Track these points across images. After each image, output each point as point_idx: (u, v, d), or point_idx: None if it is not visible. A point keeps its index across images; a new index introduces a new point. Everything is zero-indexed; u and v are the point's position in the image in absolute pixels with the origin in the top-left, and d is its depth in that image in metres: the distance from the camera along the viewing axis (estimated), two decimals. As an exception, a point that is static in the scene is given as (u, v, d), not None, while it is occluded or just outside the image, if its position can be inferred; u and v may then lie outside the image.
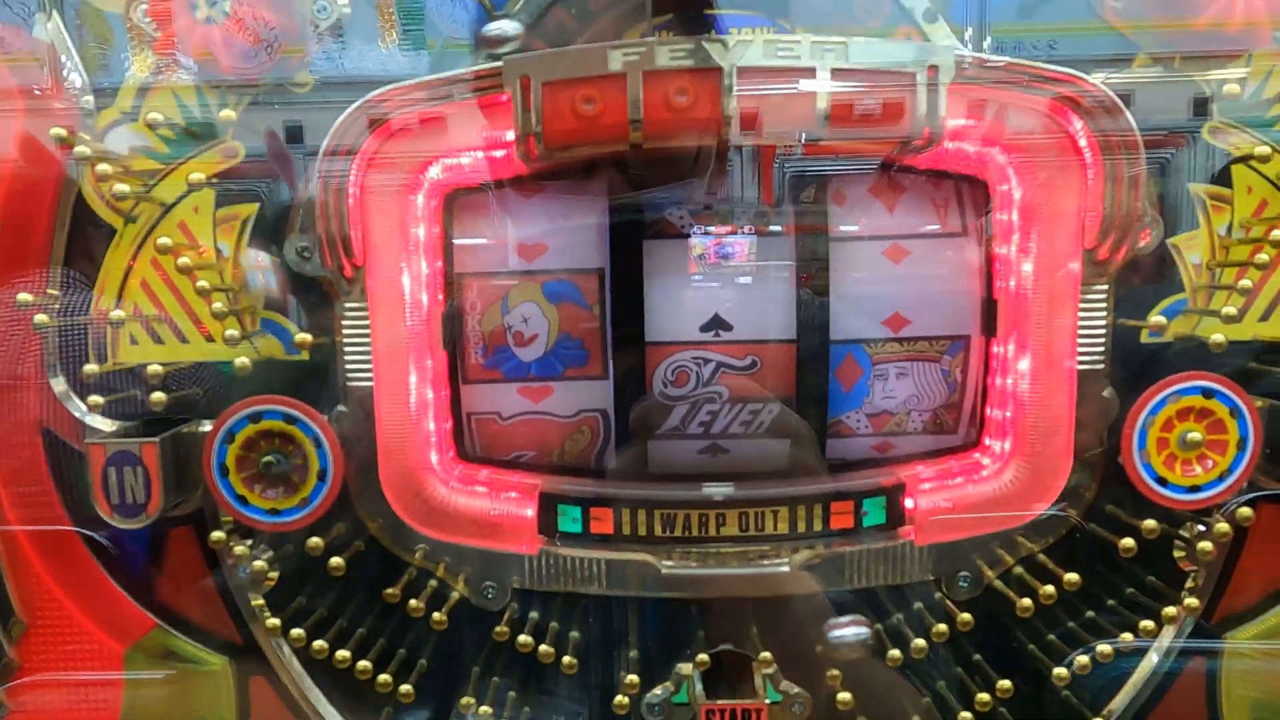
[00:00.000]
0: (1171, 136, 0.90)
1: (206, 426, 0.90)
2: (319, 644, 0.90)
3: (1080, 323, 0.91)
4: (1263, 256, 0.86)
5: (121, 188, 0.84)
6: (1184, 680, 0.95)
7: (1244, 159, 0.88)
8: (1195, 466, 0.88)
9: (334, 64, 0.87)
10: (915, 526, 0.95)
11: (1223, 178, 0.90)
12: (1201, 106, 0.89)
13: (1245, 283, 0.86)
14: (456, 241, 0.98)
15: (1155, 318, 0.88)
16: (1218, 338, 0.87)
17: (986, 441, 0.99)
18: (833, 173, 0.99)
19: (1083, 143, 0.86)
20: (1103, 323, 0.91)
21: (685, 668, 0.95)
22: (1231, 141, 0.89)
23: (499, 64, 0.82)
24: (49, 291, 0.89)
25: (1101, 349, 0.91)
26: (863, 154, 0.96)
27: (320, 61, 0.88)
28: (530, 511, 0.95)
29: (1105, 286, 0.90)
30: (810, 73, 0.81)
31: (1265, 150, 0.87)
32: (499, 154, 0.90)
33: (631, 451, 1.02)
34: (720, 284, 1.00)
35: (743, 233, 0.98)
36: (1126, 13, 0.88)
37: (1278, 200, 0.90)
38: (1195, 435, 0.87)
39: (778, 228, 0.99)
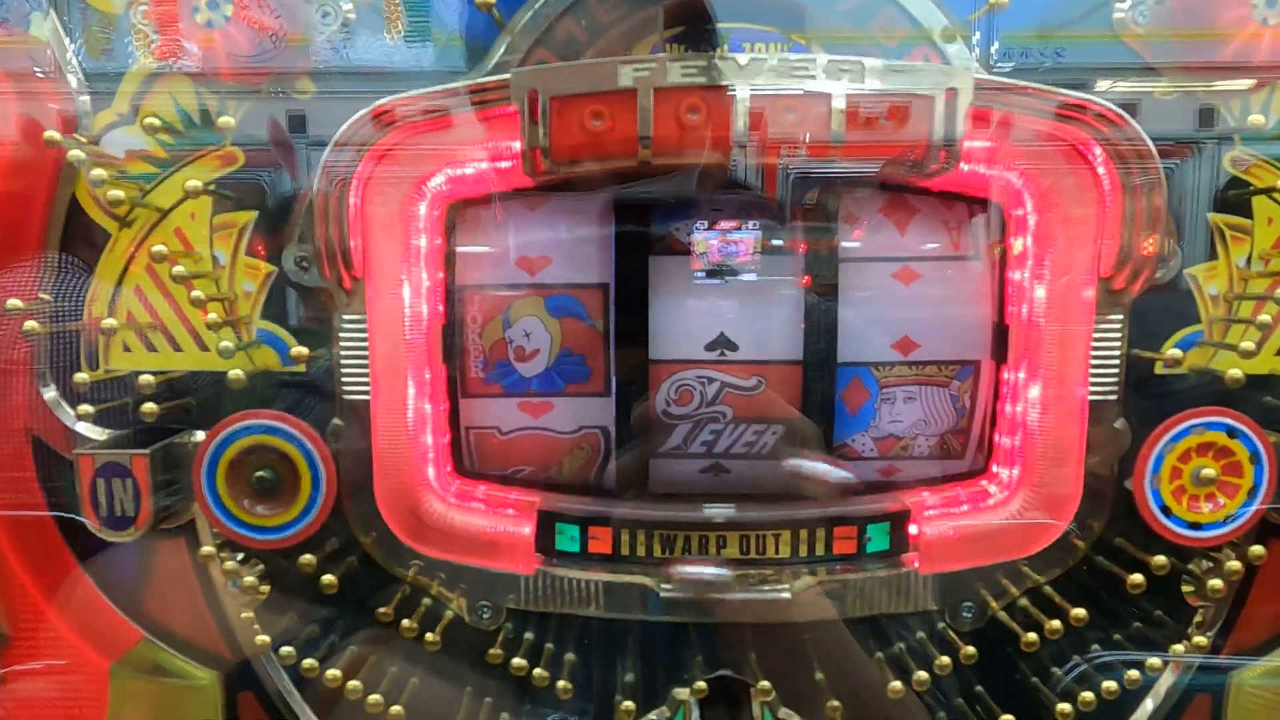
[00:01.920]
0: (1178, 146, 0.88)
1: (199, 437, 0.88)
2: (309, 662, 0.88)
3: (1093, 352, 0.89)
4: (1282, 292, 0.85)
5: (116, 194, 0.82)
6: (1190, 714, 0.93)
7: (1266, 190, 0.86)
8: (1203, 504, 0.86)
9: (339, 54, 0.85)
10: (919, 554, 0.94)
11: (1243, 208, 0.88)
12: (1208, 116, 0.87)
13: (1264, 317, 0.85)
14: (459, 252, 0.96)
15: (1171, 350, 0.86)
16: (1235, 373, 0.86)
17: (995, 469, 0.98)
18: (840, 179, 0.96)
19: (1101, 171, 0.84)
20: (1117, 352, 0.89)
21: (682, 693, 0.93)
22: (1253, 173, 0.87)
23: (506, 76, 0.80)
24: (40, 296, 0.87)
25: (1115, 379, 0.90)
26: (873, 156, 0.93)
27: (324, 51, 0.86)
28: (528, 529, 0.93)
29: (1120, 316, 0.88)
30: (825, 96, 0.79)
31: (1284, 183, 0.85)
32: (504, 164, 0.88)
33: (632, 470, 1.00)
34: (726, 302, 0.98)
35: (747, 229, 0.96)
36: (1147, 33, 0.86)
37: (1299, 232, 0.88)
38: (1210, 472, 0.85)
39: (785, 244, 0.97)
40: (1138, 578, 0.87)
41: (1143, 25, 0.86)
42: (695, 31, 0.89)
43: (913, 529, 0.94)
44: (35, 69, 0.86)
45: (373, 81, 0.85)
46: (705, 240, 0.95)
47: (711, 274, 0.97)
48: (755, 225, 0.95)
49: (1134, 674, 0.89)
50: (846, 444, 1.00)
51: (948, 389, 0.99)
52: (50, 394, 0.88)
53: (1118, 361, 0.89)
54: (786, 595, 0.92)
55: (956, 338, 0.98)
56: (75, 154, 0.82)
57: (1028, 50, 0.88)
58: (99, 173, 0.82)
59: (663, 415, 0.99)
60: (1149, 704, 0.93)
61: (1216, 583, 0.88)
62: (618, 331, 0.96)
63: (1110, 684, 0.89)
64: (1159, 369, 0.90)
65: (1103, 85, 0.87)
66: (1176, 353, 0.86)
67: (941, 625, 0.94)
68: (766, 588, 0.93)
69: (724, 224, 0.95)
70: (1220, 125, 0.86)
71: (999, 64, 0.88)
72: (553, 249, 0.98)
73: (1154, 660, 0.89)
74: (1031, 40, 0.88)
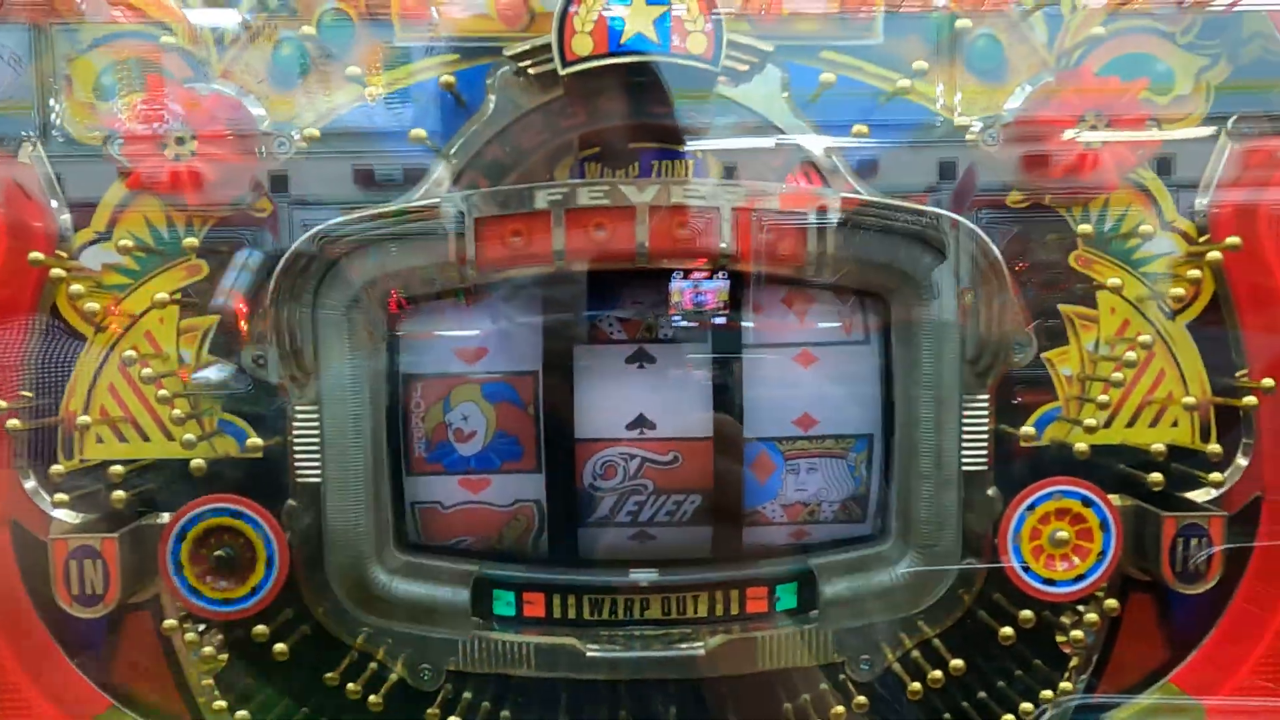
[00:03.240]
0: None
1: (164, 519, 0.97)
2: (264, 726, 0.97)
3: (964, 428, 1.01)
4: (1118, 375, 0.97)
5: (92, 306, 0.93)
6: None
7: (1103, 286, 0.98)
8: (1058, 563, 0.97)
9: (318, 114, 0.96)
10: (822, 611, 1.04)
11: (1089, 300, 1.01)
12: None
13: (1104, 398, 0.97)
14: (402, 344, 1.06)
15: (1025, 429, 0.98)
16: (1081, 446, 0.98)
17: (889, 532, 1.08)
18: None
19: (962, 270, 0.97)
20: (985, 428, 1.01)
21: (608, 747, 1.02)
22: (1095, 269, 1.00)
23: (436, 200, 0.92)
24: (23, 394, 0.97)
25: (985, 451, 1.01)
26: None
27: (305, 114, 0.97)
28: (465, 596, 1.03)
29: (985, 396, 1.00)
30: (714, 211, 0.92)
31: (1117, 282, 0.98)
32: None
33: (563, 539, 1.09)
34: (645, 385, 1.09)
35: (717, 279, 1.04)
36: (997, 152, 0.99)
37: (1137, 320, 1.01)
38: (1064, 534, 0.96)
39: (696, 330, 1.08)
40: (1008, 630, 0.98)
41: (994, 144, 0.99)
42: (608, 151, 1.01)
43: (818, 588, 1.04)
44: (23, 193, 0.97)
45: (352, 141, 0.96)
46: (680, 289, 1.04)
47: (631, 359, 1.09)
48: (724, 276, 1.04)
49: (1010, 718, 0.99)
50: (758, 510, 1.11)
51: (845, 459, 1.10)
52: (30, 484, 0.97)
53: (986, 436, 1.01)
54: (701, 651, 1.02)
55: (851, 414, 1.09)
56: (57, 272, 0.93)
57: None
58: (77, 289, 0.93)
59: (589, 489, 1.09)
60: (1028, 749, 1.03)
61: (1078, 633, 0.98)
62: (546, 414, 1.07)
63: (993, 727, 0.99)
64: (1023, 442, 1.01)
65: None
66: (1030, 430, 0.98)
67: (842, 676, 1.03)
68: (684, 645, 1.03)
69: (696, 274, 1.04)
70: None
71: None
72: (488, 340, 1.09)
73: (1027, 705, 0.99)
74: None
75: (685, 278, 1.03)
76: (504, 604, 1.04)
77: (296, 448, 0.99)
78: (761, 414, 1.08)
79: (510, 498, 1.09)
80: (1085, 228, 0.97)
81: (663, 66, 0.92)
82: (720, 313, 1.05)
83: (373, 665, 1.01)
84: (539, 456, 1.08)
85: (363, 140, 0.98)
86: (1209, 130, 1.00)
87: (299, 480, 1.00)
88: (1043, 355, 1.01)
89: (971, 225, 0.94)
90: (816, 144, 0.99)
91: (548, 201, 0.90)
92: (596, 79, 0.91)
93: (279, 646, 0.96)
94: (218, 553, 0.93)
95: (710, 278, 1.03)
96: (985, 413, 1.01)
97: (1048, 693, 1.00)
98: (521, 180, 0.96)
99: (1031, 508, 0.97)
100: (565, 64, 0.91)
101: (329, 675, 0.98)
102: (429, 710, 0.99)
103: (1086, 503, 0.97)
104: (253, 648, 0.99)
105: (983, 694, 1.03)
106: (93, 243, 0.98)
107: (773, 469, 1.10)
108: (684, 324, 1.05)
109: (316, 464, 0.99)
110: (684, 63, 0.91)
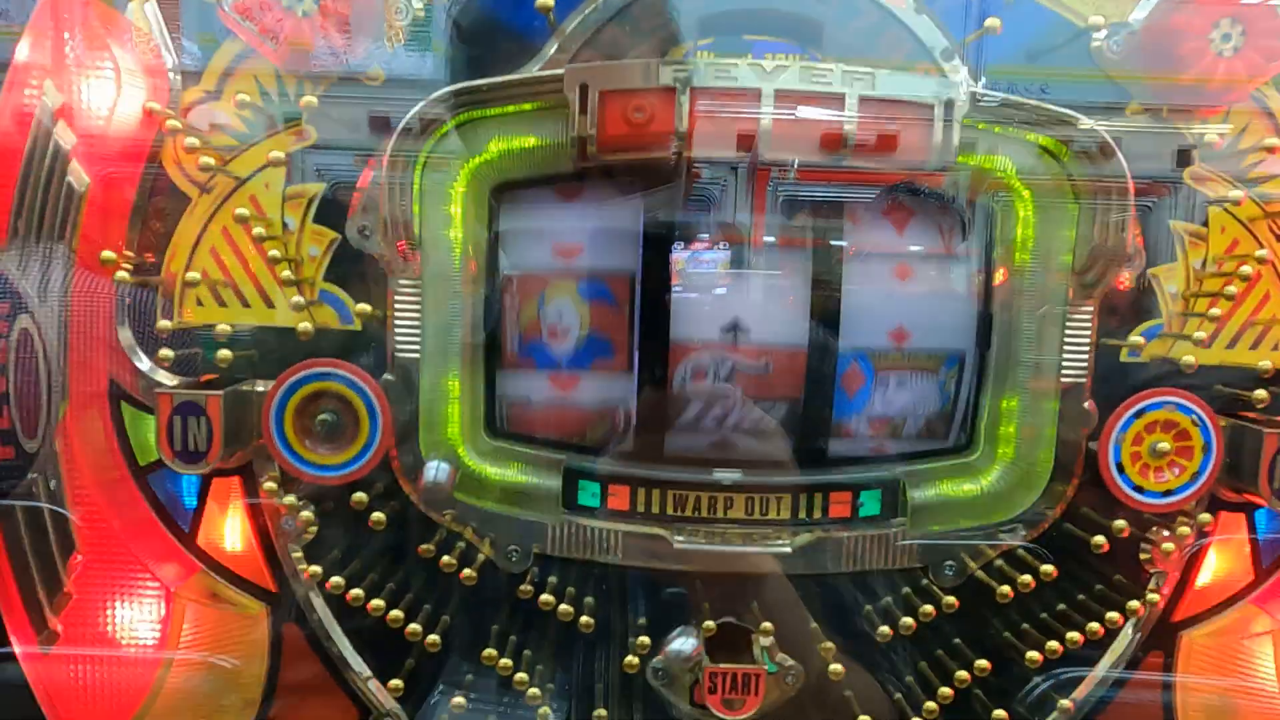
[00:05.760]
0: (1155, 185, 1.00)
1: (260, 388, 0.97)
2: (356, 591, 0.97)
3: (1066, 340, 1.00)
4: (1231, 289, 0.96)
5: (206, 160, 0.92)
6: (1145, 667, 1.04)
7: (1219, 201, 0.98)
8: (1166, 473, 0.97)
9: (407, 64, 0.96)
10: (907, 519, 1.04)
11: (1201, 218, 1.00)
12: (1184, 156, 0.99)
13: (1215, 311, 0.96)
14: (501, 238, 1.05)
15: (1135, 338, 0.98)
16: (1188, 359, 0.97)
17: (977, 445, 1.08)
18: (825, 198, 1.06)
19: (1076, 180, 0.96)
20: (1087, 341, 1.01)
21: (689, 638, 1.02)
22: (1209, 186, 0.99)
23: (560, 70, 0.91)
24: (127, 253, 0.96)
25: (1085, 365, 1.01)
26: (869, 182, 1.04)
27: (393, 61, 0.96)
28: (555, 482, 1.03)
29: (1090, 308, 1.00)
30: (839, 99, 0.91)
31: (1238, 194, 0.97)
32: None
33: (650, 441, 1.09)
34: (741, 292, 1.08)
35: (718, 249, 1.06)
36: (1120, 62, 0.98)
37: (1247, 240, 1.00)
38: (1164, 445, 0.96)
39: (797, 243, 1.08)
40: (1099, 539, 0.98)
41: (1117, 53, 0.98)
42: (723, 41, 1.00)
43: (902, 497, 1.04)
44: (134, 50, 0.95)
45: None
46: (682, 259, 1.04)
47: (729, 264, 1.08)
48: (725, 247, 1.05)
49: (1095, 625, 0.99)
50: (844, 423, 1.10)
51: (936, 375, 1.10)
52: (127, 339, 0.96)
53: (1088, 348, 1.01)
54: (788, 549, 1.02)
55: (945, 329, 1.08)
56: (173, 124, 0.92)
57: (1013, 85, 1.00)
58: (191, 141, 0.92)
59: (680, 393, 1.08)
60: (1105, 659, 1.04)
61: (1169, 545, 0.99)
62: (642, 314, 1.06)
63: (1074, 635, 1.00)
64: (1124, 357, 1.01)
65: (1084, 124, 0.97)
66: (1139, 339, 0.98)
67: (925, 581, 1.04)
68: (771, 543, 1.03)
69: (697, 245, 1.05)
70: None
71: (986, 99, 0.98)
72: (586, 238, 1.07)
73: (1113, 615, 1.00)
74: (1015, 75, 0.99)
75: (686, 249, 1.04)
76: (589, 495, 1.04)
77: (397, 322, 0.99)
78: (856, 325, 1.07)
79: (599, 398, 1.09)
80: (1212, 137, 0.96)
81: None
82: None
83: (460, 545, 1.01)
84: (631, 357, 1.07)
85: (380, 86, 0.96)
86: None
87: (397, 355, 0.99)
88: (1149, 271, 1.00)
89: (1100, 129, 0.93)
90: (936, 42, 0.98)
91: (673, 78, 0.89)
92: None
93: (377, 515, 0.97)
94: (322, 416, 0.93)
95: (711, 248, 1.04)
96: (1088, 326, 1.00)
97: (1134, 603, 1.00)
98: (636, 65, 0.94)
99: (1140, 413, 0.97)
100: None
101: (425, 546, 0.98)
102: (521, 587, 0.99)
103: (1195, 421, 0.97)
104: (345, 518, 0.99)
105: (1062, 605, 1.04)
106: (200, 102, 0.96)
107: (862, 381, 1.09)
108: (682, 294, 1.04)
109: (416, 339, 0.99)
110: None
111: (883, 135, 0.90)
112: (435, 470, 0.99)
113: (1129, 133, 0.98)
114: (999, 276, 1.05)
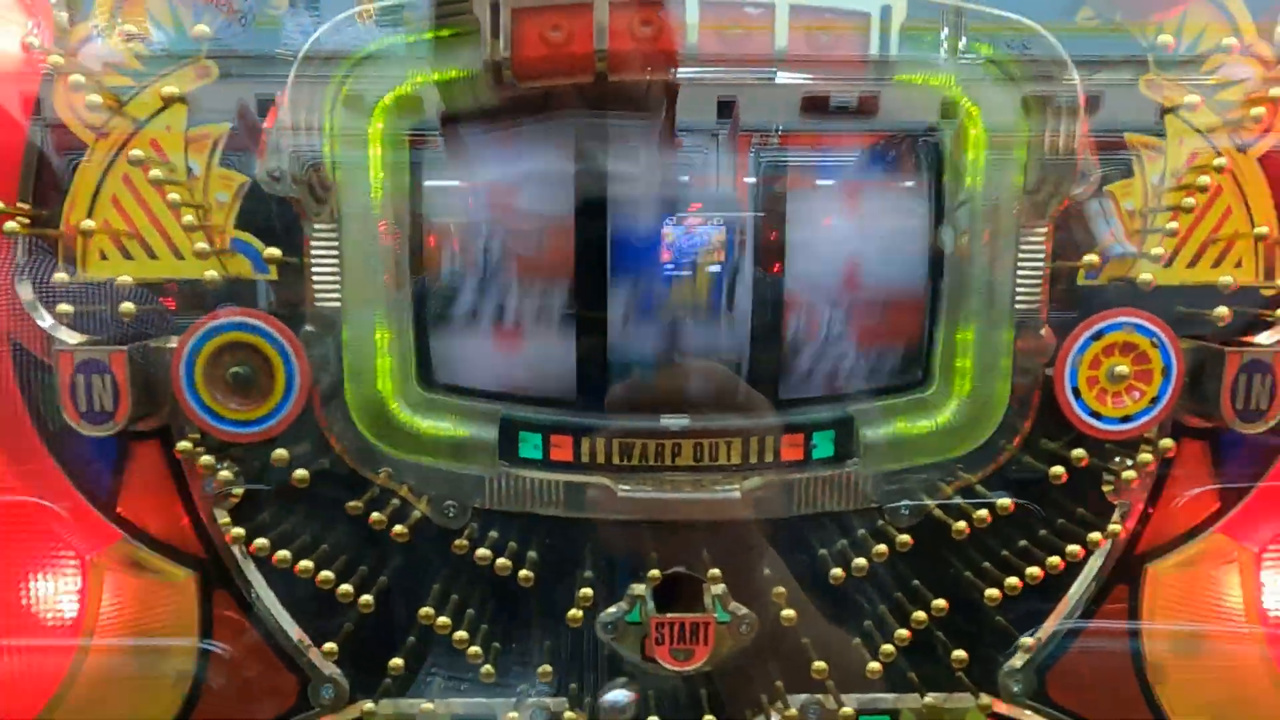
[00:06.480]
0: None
1: (172, 343, 0.92)
2: (283, 553, 0.93)
3: (1019, 264, 0.96)
4: (1189, 200, 0.92)
5: (94, 99, 0.86)
6: (1110, 602, 1.00)
7: (1174, 109, 0.93)
8: (1124, 398, 0.93)
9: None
10: (861, 459, 1.00)
11: (1157, 128, 0.95)
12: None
13: (1173, 225, 0.92)
14: (426, 183, 1.00)
15: (1089, 256, 0.93)
16: (1146, 277, 0.93)
17: (932, 380, 1.04)
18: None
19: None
20: (1040, 263, 0.96)
21: (638, 588, 0.99)
22: (1165, 94, 0.94)
23: (467, -10, 0.85)
24: (19, 205, 0.90)
25: (1039, 288, 0.96)
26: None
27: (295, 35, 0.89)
28: (492, 434, 0.98)
29: (1044, 230, 0.95)
30: (770, 9, 0.85)
31: (1194, 99, 0.92)
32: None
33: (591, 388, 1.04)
34: (682, 228, 1.03)
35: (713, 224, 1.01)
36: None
37: (1207, 152, 0.95)
38: (1123, 369, 0.92)
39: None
40: (1058, 469, 0.94)
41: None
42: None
43: (855, 436, 1.00)
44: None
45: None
46: (674, 232, 1.00)
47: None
48: (720, 222, 1.00)
49: (1055, 560, 0.96)
50: (795, 362, 1.06)
51: (890, 307, 1.05)
52: (27, 295, 0.91)
53: (1041, 271, 0.96)
54: (736, 494, 0.98)
55: (898, 261, 1.04)
56: (54, 59, 0.85)
57: (994, 40, 0.93)
58: (77, 78, 0.86)
59: (619, 334, 1.03)
60: (1070, 593, 1.00)
61: (1130, 474, 0.95)
62: (578, 257, 1.00)
63: (1034, 570, 0.96)
64: (1081, 279, 0.97)
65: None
66: (1093, 258, 0.93)
67: (880, 523, 1.00)
68: (718, 488, 0.99)
69: (691, 219, 1.00)
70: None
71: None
72: (519, 179, 1.02)
73: (1074, 548, 0.96)
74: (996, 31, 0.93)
75: (679, 222, 0.99)
76: (531, 446, 1.00)
77: (315, 269, 0.93)
78: (806, 261, 1.02)
79: (537, 343, 1.04)
80: (1165, 37, 0.90)
81: None
82: (715, 262, 1.00)
83: (395, 502, 0.97)
84: (568, 302, 1.02)
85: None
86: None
87: (316, 305, 0.94)
88: (1105, 187, 0.95)
89: (1052, 39, 0.88)
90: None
91: (590, -8, 0.83)
92: None
93: (299, 472, 0.92)
94: (234, 369, 0.88)
95: (706, 224, 0.99)
96: (1042, 248, 0.96)
97: (1095, 535, 0.96)
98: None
99: (1098, 335, 0.92)
100: None
101: (353, 503, 0.93)
102: (456, 541, 0.95)
103: (1155, 343, 0.93)
104: (270, 478, 0.94)
105: (1024, 542, 1.00)
106: (91, 38, 0.90)
107: (813, 319, 1.05)
108: (676, 273, 1.00)
109: (335, 287, 0.94)
110: None
111: (816, 47, 0.85)
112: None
113: (1081, 39, 0.93)
114: (949, 203, 1.00)
